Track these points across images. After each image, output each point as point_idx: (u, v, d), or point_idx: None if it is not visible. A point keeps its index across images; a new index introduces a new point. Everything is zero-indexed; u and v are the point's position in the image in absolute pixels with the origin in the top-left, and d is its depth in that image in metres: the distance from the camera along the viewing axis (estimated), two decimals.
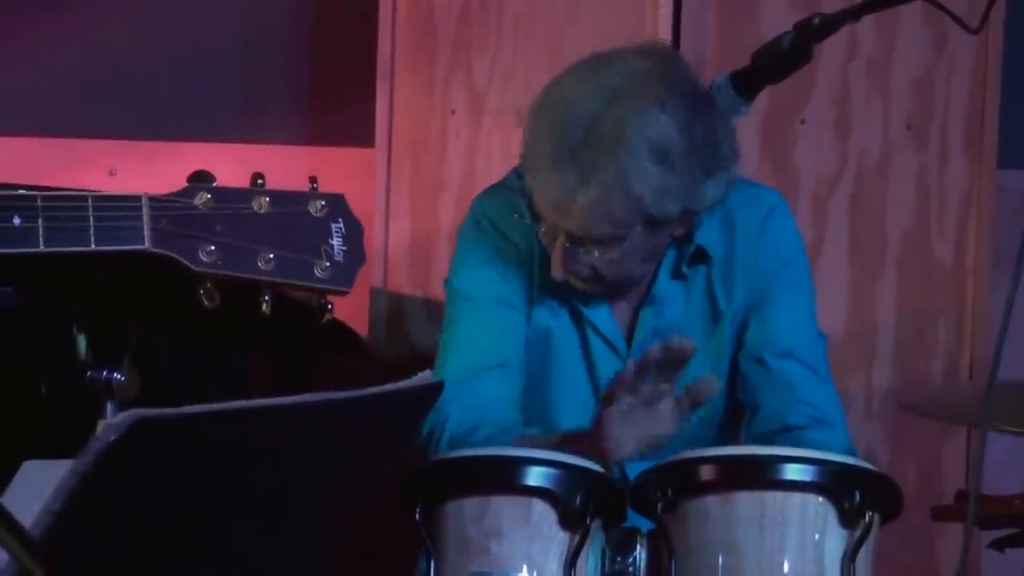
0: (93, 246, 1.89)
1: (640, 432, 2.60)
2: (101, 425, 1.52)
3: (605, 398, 2.63)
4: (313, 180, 2.03)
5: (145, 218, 1.91)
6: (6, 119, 4.07)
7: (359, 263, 1.99)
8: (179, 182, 4.20)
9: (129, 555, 1.59)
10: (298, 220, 1.98)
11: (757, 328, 2.85)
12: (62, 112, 4.09)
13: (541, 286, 2.87)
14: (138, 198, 1.91)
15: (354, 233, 2.00)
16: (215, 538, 1.66)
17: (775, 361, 2.84)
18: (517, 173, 2.84)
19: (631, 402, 2.60)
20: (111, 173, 4.03)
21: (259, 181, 1.99)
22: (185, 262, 1.93)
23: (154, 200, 1.92)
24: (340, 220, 1.99)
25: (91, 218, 1.90)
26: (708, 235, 2.84)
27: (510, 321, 2.86)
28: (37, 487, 1.54)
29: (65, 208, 1.89)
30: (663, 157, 2.66)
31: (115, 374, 2.65)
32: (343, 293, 1.99)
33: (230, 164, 4.04)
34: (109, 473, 1.50)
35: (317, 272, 1.97)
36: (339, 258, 1.98)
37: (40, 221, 1.88)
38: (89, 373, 2.67)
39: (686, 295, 2.87)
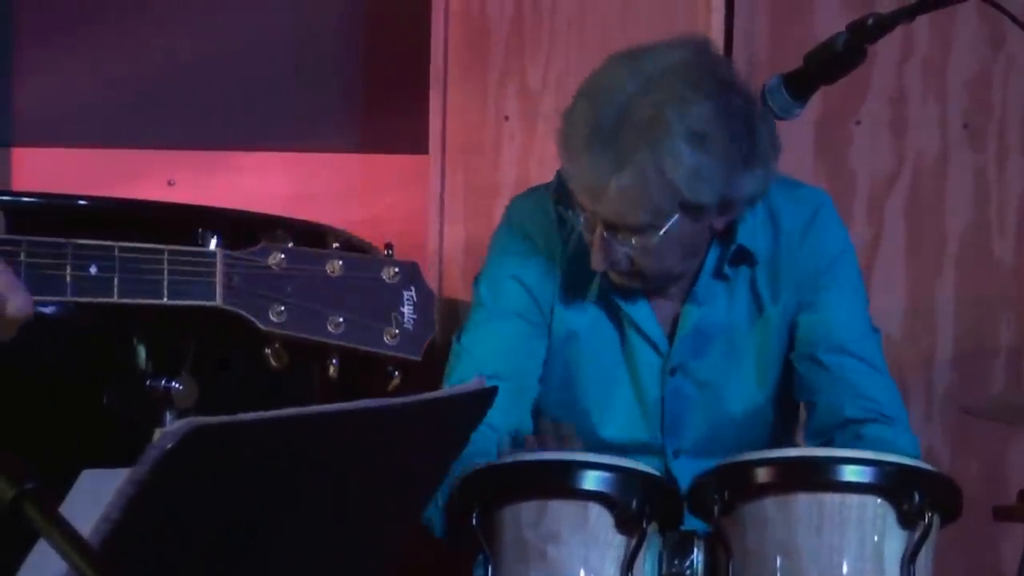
0: (166, 300, 1.89)
1: None
2: (158, 433, 1.53)
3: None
4: (388, 247, 1.99)
5: (218, 274, 1.90)
6: (66, 131, 4.10)
7: (429, 333, 1.96)
8: (236, 191, 4.22)
9: (186, 563, 1.60)
10: (370, 286, 1.94)
11: (809, 326, 2.84)
12: (121, 123, 4.11)
13: (568, 288, 2.86)
14: (213, 253, 1.91)
15: (425, 302, 1.96)
16: (271, 545, 1.67)
17: (829, 357, 2.82)
18: (559, 174, 2.84)
19: None
20: (170, 184, 4.06)
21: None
22: (255, 321, 1.91)
23: (228, 256, 1.90)
24: (412, 288, 1.95)
25: (165, 271, 1.89)
26: (752, 235, 2.83)
27: (522, 334, 2.86)
28: (96, 496, 1.55)
29: (141, 260, 1.89)
30: (699, 142, 2.65)
31: (173, 383, 2.67)
32: (411, 362, 1.96)
33: (285, 173, 4.06)
34: (166, 481, 1.51)
35: (386, 339, 1.94)
36: (409, 326, 1.94)
37: (116, 272, 1.88)
38: (148, 382, 2.69)
39: (729, 295, 2.85)
